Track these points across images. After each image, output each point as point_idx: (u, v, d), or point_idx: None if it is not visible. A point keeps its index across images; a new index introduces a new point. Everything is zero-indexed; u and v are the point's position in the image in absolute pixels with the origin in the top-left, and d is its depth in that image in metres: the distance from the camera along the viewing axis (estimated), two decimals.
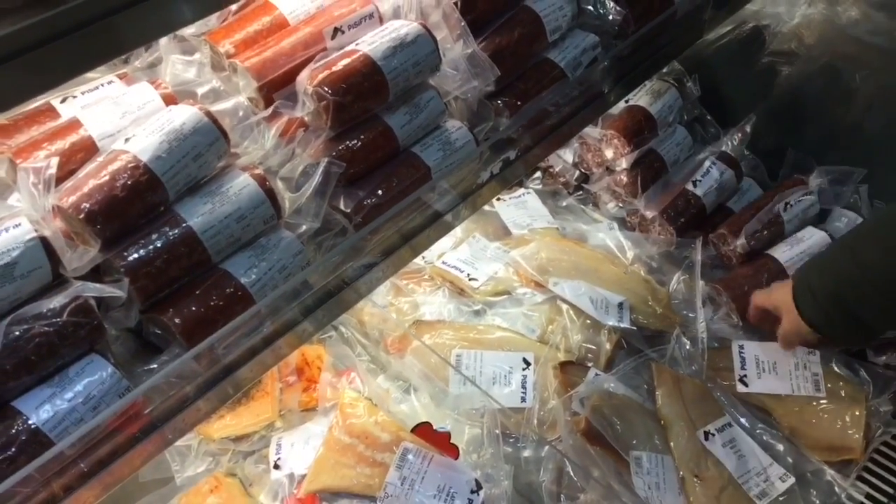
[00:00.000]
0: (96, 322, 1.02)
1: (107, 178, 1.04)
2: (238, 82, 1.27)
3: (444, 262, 2.03)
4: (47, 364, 0.99)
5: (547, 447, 1.68)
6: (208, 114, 1.12)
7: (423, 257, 2.05)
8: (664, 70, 2.32)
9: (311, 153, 1.25)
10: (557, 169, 2.37)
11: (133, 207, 1.05)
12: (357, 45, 1.30)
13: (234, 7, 1.35)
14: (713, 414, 1.73)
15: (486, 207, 2.20)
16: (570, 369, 1.77)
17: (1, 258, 0.95)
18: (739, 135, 2.32)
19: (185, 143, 1.09)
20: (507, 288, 2.00)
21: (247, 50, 1.28)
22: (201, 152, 1.10)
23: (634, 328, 1.89)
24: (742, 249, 2.06)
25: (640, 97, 2.24)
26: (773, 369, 1.83)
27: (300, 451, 1.69)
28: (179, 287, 1.10)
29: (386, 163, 1.35)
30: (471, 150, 1.42)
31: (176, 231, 1.07)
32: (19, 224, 0.98)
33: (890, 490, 1.71)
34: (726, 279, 2.02)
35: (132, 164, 1.05)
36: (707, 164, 2.22)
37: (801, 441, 1.74)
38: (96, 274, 1.06)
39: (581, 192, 2.37)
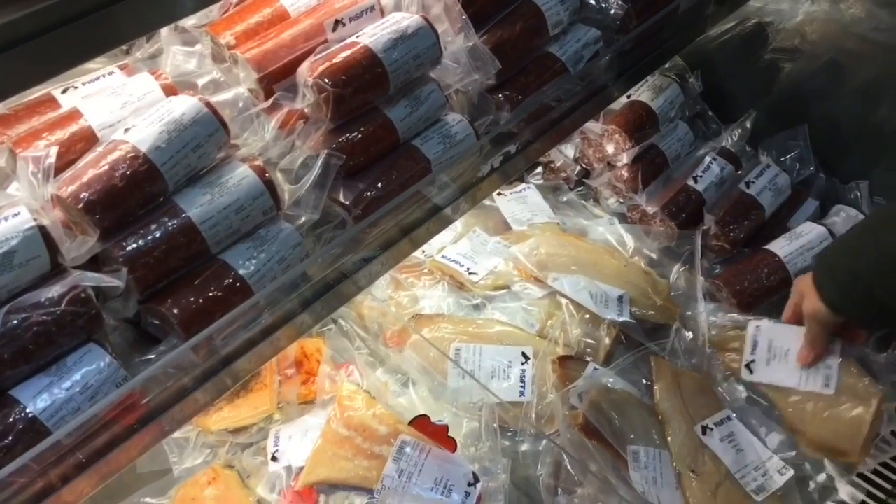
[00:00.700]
0: (94, 312, 1.01)
1: (106, 168, 1.04)
2: (239, 74, 1.26)
3: (443, 256, 2.03)
4: (45, 353, 0.99)
5: (545, 441, 1.68)
6: (208, 104, 1.12)
7: (423, 251, 2.05)
8: (666, 65, 2.32)
9: (310, 145, 1.25)
10: (558, 164, 2.37)
11: (132, 197, 1.05)
12: (358, 37, 1.30)
13: None
14: (712, 408, 1.73)
15: (487, 202, 2.20)
16: (569, 364, 1.77)
17: (0, 247, 0.95)
18: (739, 130, 2.32)
19: (184, 134, 1.08)
20: (506, 282, 2.00)
21: (248, 41, 1.28)
22: (201, 143, 1.10)
23: (634, 321, 1.89)
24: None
25: (642, 92, 2.24)
26: (784, 357, 1.76)
27: (298, 443, 1.69)
28: (178, 277, 1.10)
29: (386, 155, 1.35)
30: (471, 144, 1.41)
31: (175, 221, 1.07)
32: (18, 213, 0.98)
33: (889, 487, 1.70)
34: (725, 274, 2.01)
35: (131, 155, 1.05)
36: (707, 159, 2.22)
37: (801, 438, 1.72)
38: (95, 264, 1.06)
39: (582, 188, 2.37)
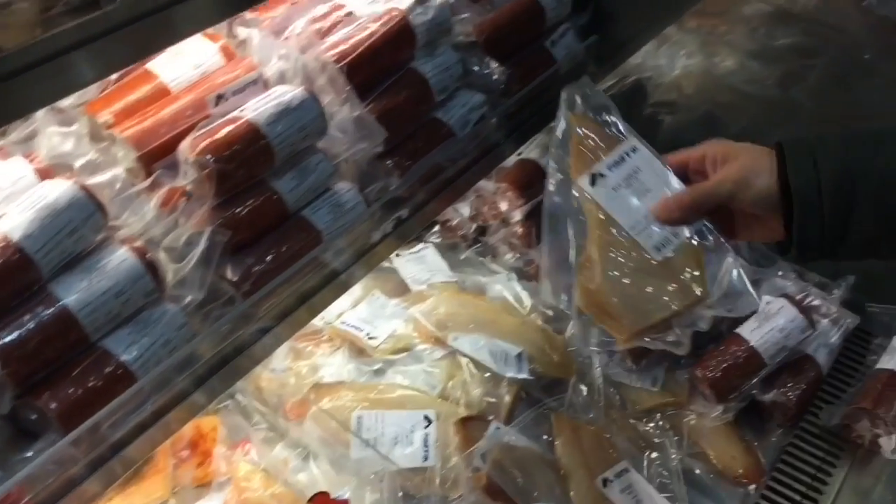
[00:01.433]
0: None
1: None
2: (118, 153, 1.24)
3: (343, 322, 2.01)
4: None
5: None
6: (84, 188, 1.09)
7: (322, 318, 2.02)
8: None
9: (195, 222, 1.23)
10: (455, 222, 2.39)
11: (3, 289, 1.01)
12: (241, 111, 1.29)
13: (114, 77, 1.32)
14: (610, 460, 1.75)
15: (385, 264, 2.20)
16: (471, 424, 1.77)
17: None
18: None
19: (58, 219, 1.05)
20: (407, 345, 1.99)
21: (127, 119, 1.26)
22: (76, 227, 1.07)
23: (533, 378, 1.91)
24: None
25: (531, 150, 2.30)
26: (640, 194, 1.34)
27: None
28: (56, 368, 1.06)
29: (275, 228, 1.34)
30: (361, 211, 1.42)
31: (50, 310, 1.03)
32: None
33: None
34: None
35: (2, 245, 1.01)
36: None
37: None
38: None
39: (479, 245, 2.39)
